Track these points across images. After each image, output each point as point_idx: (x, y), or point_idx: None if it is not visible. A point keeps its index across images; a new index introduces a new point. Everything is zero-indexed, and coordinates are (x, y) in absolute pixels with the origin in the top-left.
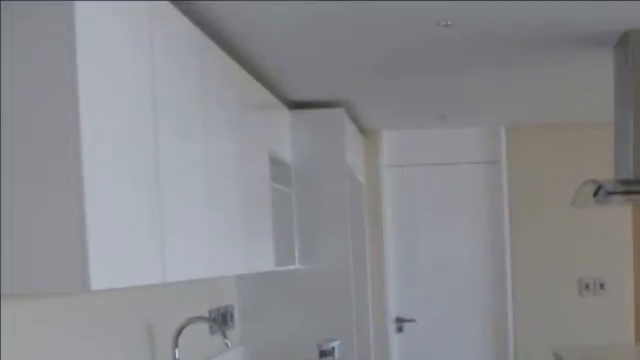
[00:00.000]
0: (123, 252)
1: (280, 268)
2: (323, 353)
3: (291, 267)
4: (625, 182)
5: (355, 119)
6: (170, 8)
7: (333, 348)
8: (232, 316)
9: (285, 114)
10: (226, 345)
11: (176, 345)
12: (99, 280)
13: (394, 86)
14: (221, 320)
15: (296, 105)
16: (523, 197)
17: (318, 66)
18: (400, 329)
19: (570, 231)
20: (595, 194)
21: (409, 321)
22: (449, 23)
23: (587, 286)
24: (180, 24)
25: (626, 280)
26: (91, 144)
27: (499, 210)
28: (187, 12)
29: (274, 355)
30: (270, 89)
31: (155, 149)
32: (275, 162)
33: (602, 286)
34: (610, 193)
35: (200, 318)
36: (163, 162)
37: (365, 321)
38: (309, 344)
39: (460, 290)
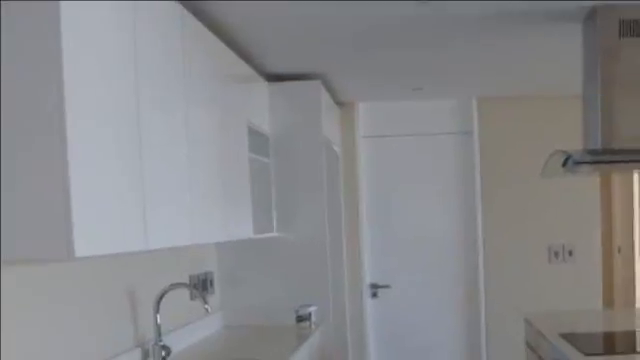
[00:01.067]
0: (106, 220)
1: (258, 236)
2: (300, 318)
3: (269, 235)
4: (593, 152)
5: (331, 91)
6: None
7: (310, 313)
8: (212, 282)
9: (263, 86)
10: (206, 310)
11: (157, 310)
12: (83, 247)
13: (369, 59)
14: (201, 286)
15: (274, 78)
16: (494, 167)
17: (296, 39)
18: (375, 295)
19: (540, 200)
20: (564, 164)
21: (384, 287)
22: None
23: (556, 253)
24: None
25: (594, 247)
26: (75, 115)
27: (471, 179)
28: None
29: (252, 320)
30: (249, 62)
31: (137, 120)
32: (253, 133)
33: (571, 253)
34: (578, 163)
35: (181, 284)
36: (145, 133)
37: (341, 287)
38: (287, 309)
39: (433, 257)
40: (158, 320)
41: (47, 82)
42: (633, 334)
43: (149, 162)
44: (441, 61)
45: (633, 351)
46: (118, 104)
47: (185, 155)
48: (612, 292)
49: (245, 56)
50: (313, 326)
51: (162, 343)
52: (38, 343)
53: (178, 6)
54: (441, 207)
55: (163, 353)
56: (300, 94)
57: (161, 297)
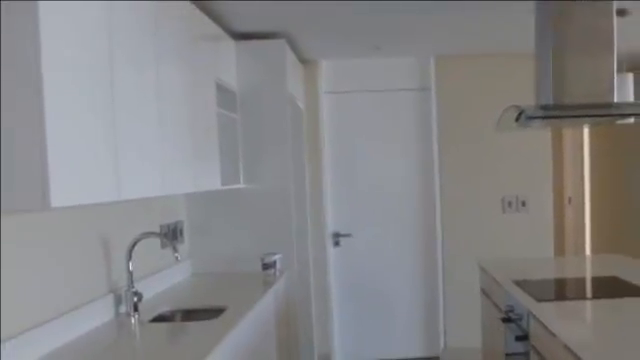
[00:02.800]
0: (80, 172)
1: (226, 187)
2: (266, 266)
3: (236, 186)
4: (545, 107)
5: (295, 49)
6: None
7: (275, 261)
8: (181, 231)
9: (231, 45)
10: (176, 258)
11: (130, 258)
12: (58, 198)
13: (331, 18)
14: (171, 235)
15: (241, 36)
16: (451, 122)
17: None
18: (337, 243)
19: (494, 153)
20: (517, 119)
21: (345, 236)
22: None
23: (510, 204)
24: None
25: (546, 198)
26: (51, 71)
27: (429, 134)
28: None
29: (220, 267)
30: (217, 22)
31: (110, 77)
32: (221, 89)
33: (524, 204)
34: (531, 118)
35: (152, 233)
36: (118, 89)
37: (304, 236)
38: (253, 257)
39: (393, 207)
40: (130, 267)
41: (24, 38)
42: (583, 280)
43: (121, 117)
44: (399, 20)
45: (583, 297)
46: (92, 62)
47: (156, 110)
48: (563, 240)
49: (214, 16)
50: (278, 273)
51: (134, 289)
52: (15, 290)
53: None
54: (400, 160)
55: (135, 299)
56: (266, 52)
57: (133, 246)
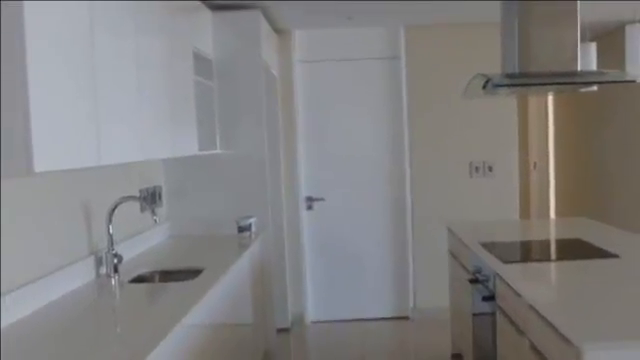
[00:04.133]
0: (62, 139)
1: (203, 152)
2: (241, 228)
3: (213, 152)
4: (511, 76)
5: (270, 20)
6: None
7: (250, 224)
8: (160, 195)
9: (207, 15)
10: (154, 221)
11: (110, 221)
12: (41, 163)
13: None
14: (150, 199)
15: (217, 7)
16: (420, 89)
17: None
18: (310, 207)
19: (462, 120)
20: (484, 86)
21: (318, 200)
22: None
23: (477, 169)
24: None
25: (512, 163)
26: (34, 39)
27: (399, 101)
28: None
29: (197, 230)
30: None
31: (91, 47)
32: (198, 58)
33: (490, 169)
34: (497, 85)
35: (131, 197)
36: (99, 58)
37: (279, 200)
38: (229, 220)
39: (364, 172)
40: (110, 230)
41: (7, 8)
42: (548, 243)
43: (102, 85)
44: None
45: (548, 259)
46: (74, 31)
47: (135, 78)
48: (528, 204)
49: None
50: (253, 236)
51: (114, 251)
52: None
53: None
54: (371, 126)
55: (115, 260)
56: (241, 22)
57: (113, 209)
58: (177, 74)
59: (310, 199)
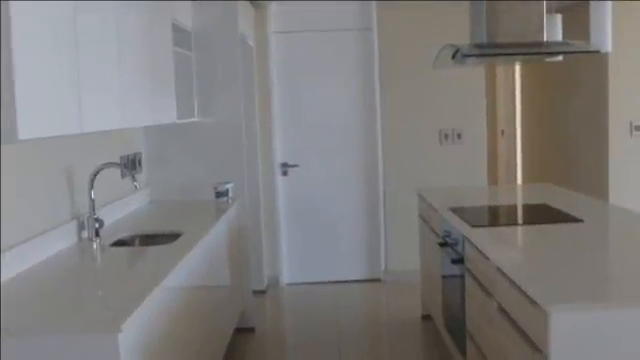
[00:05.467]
0: (46, 107)
1: (182, 120)
2: (219, 194)
3: (191, 120)
4: (479, 46)
5: None
6: None
7: (227, 189)
8: (140, 162)
9: None
10: (135, 187)
11: (92, 187)
12: (26, 131)
13: None
14: (130, 165)
15: None
16: (391, 60)
17: None
18: (285, 173)
19: (432, 89)
20: (453, 56)
21: (293, 166)
22: None
23: (446, 136)
24: None
25: (480, 131)
26: (19, 15)
27: (371, 71)
28: None
29: (176, 195)
30: None
31: (74, 18)
32: (177, 30)
33: (459, 136)
34: (466, 55)
35: (112, 163)
36: (81, 29)
37: (255, 166)
38: (207, 186)
39: (338, 140)
40: (92, 196)
41: None
42: (515, 208)
43: (84, 55)
44: None
45: (515, 223)
46: (57, 4)
47: (116, 48)
48: (496, 170)
49: None
50: (230, 201)
51: (96, 216)
52: None
53: None
54: (344, 95)
55: (96, 225)
56: None
57: (95, 175)
58: (157, 45)
59: (285, 165)
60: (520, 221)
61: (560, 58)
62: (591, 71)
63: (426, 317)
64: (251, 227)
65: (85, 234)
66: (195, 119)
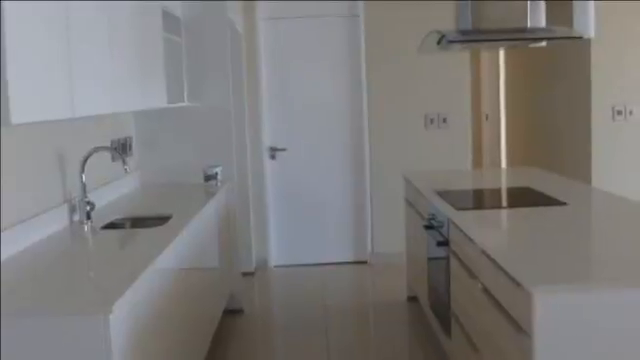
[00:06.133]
0: (38, 92)
1: (171, 105)
2: (208, 177)
3: (181, 104)
4: (464, 32)
5: None
6: None
7: (216, 173)
8: (130, 146)
9: None
10: (125, 170)
11: (83, 170)
12: (18, 115)
13: None
14: (121, 149)
15: None
16: (378, 45)
17: None
18: (273, 157)
19: (418, 74)
20: (439, 42)
21: (281, 150)
22: None
23: (432, 120)
24: None
25: (465, 115)
26: (11, 0)
27: (357, 56)
28: None
29: (166, 179)
30: None
31: (65, 5)
32: (167, 16)
33: (445, 120)
34: (451, 41)
35: (103, 147)
36: (72, 15)
37: (243, 150)
38: (196, 170)
39: (325, 124)
40: (84, 179)
41: None
42: (499, 191)
43: (75, 41)
44: None
45: (499, 206)
46: None
47: (107, 34)
48: (481, 154)
49: None
50: (219, 184)
51: (87, 199)
52: None
53: None
54: (332, 80)
55: (88, 208)
56: None
57: (86, 159)
58: (147, 31)
59: (273, 149)
60: (504, 204)
61: (543, 44)
62: (574, 57)
63: (412, 298)
64: (240, 210)
65: (76, 217)
66: (185, 104)
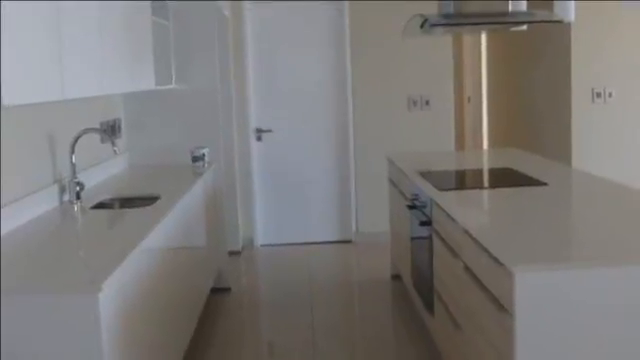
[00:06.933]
0: (29, 74)
1: (159, 87)
2: (195, 158)
3: (169, 87)
4: (446, 16)
5: None
6: None
7: (203, 154)
8: (119, 127)
9: None
10: (114, 151)
11: (73, 152)
12: (10, 97)
13: None
14: (110, 131)
15: None
16: (362, 29)
17: None
18: (259, 138)
19: (401, 57)
20: (422, 26)
21: (267, 131)
22: None
23: (415, 102)
24: None
25: (447, 97)
26: None
27: (342, 40)
28: None
29: (154, 160)
30: None
31: None
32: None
33: (427, 102)
34: (434, 25)
35: (93, 129)
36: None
37: (230, 131)
38: (184, 151)
39: (310, 106)
40: (73, 160)
41: None
42: (481, 172)
43: (66, 24)
44: None
45: (481, 186)
46: None
47: (97, 18)
48: (463, 136)
49: None
50: (206, 165)
51: (77, 179)
52: None
53: None
54: (317, 63)
55: (77, 188)
56: None
57: (76, 140)
58: (136, 15)
59: (259, 131)
60: (486, 185)
61: (525, 27)
62: (555, 40)
63: (395, 277)
64: (226, 190)
65: (66, 197)
66: (172, 86)
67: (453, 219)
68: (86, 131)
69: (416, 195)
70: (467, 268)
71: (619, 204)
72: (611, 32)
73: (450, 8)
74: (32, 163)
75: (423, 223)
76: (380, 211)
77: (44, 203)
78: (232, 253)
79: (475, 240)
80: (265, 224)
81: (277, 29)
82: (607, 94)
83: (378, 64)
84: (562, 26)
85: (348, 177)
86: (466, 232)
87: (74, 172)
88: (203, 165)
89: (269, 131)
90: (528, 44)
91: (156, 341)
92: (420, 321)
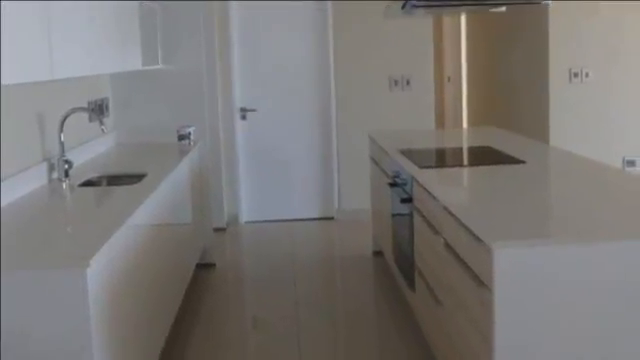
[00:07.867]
0: (18, 54)
1: (146, 67)
2: (181, 137)
3: (155, 67)
4: None
5: None
6: None
7: (189, 133)
8: (107, 107)
9: None
10: (102, 130)
11: (61, 130)
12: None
13: None
14: (98, 110)
15: None
16: (344, 9)
17: None
18: (244, 117)
19: (383, 38)
20: (403, 7)
21: (251, 111)
22: None
23: (396, 82)
24: None
25: (428, 77)
26: None
27: (325, 20)
28: None
29: (141, 139)
30: None
31: None
32: None
33: (408, 82)
34: (415, 6)
35: (81, 108)
36: None
37: (215, 111)
38: (170, 130)
39: (293, 86)
40: (62, 139)
41: None
42: (461, 150)
43: (55, 4)
44: None
45: (461, 164)
46: None
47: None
48: (443, 115)
49: None
50: (192, 143)
51: (65, 158)
52: None
53: None
54: (300, 42)
55: (66, 166)
56: None
57: (64, 119)
58: None
59: (244, 110)
60: (466, 163)
61: (503, 9)
62: (532, 21)
63: (377, 253)
64: (212, 168)
65: (55, 175)
66: (159, 66)
67: (433, 196)
68: (74, 110)
69: (397, 173)
70: (447, 245)
71: (596, 181)
72: (588, 14)
73: None
74: (21, 141)
75: (404, 200)
76: (362, 188)
77: (33, 181)
78: (217, 230)
79: (455, 217)
80: (249, 201)
81: (262, 11)
82: (584, 74)
83: (360, 45)
84: (540, 7)
85: (330, 155)
86: (446, 209)
87: (62, 150)
88: (189, 143)
89: (253, 110)
90: (507, 25)
91: (143, 315)
92: (401, 297)
